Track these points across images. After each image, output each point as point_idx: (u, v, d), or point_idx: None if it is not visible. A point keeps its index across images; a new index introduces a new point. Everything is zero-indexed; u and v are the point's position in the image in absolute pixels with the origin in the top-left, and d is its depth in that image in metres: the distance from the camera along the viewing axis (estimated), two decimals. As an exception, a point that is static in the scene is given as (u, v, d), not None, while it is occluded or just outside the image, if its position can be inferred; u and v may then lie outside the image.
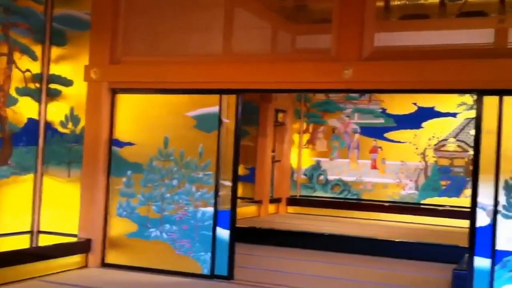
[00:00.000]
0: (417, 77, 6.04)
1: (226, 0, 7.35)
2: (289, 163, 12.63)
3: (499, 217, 5.67)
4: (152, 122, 7.05)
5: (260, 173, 11.85)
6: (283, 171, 12.46)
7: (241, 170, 10.83)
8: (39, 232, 7.34)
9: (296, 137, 12.92)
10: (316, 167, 12.78)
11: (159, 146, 6.98)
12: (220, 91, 6.74)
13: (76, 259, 6.97)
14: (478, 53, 6.08)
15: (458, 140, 11.67)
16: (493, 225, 5.69)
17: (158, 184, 6.97)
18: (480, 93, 5.81)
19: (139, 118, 7.14)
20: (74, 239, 7.09)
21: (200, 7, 7.54)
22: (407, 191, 11.98)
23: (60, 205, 7.31)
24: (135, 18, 7.37)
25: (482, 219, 5.73)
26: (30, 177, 7.30)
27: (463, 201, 10.78)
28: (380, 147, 12.24)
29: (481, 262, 5.71)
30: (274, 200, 12.28)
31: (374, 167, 12.30)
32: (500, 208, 5.66)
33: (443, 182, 11.74)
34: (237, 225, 6.84)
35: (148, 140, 7.04)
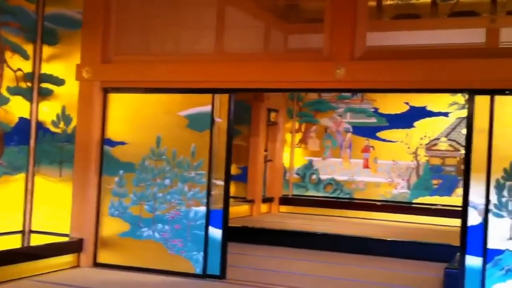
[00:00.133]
0: (409, 77, 6.06)
1: (218, -1, 7.35)
2: (281, 162, 12.64)
3: (490, 216, 5.69)
4: (144, 122, 7.04)
5: (252, 172, 11.86)
6: (275, 170, 12.46)
7: (234, 170, 10.82)
8: (31, 231, 7.31)
9: (288, 136, 12.92)
10: (309, 166, 12.79)
11: (152, 146, 6.96)
12: (213, 91, 6.74)
13: (68, 259, 6.95)
14: (470, 52, 6.11)
15: (449, 140, 11.71)
16: (484, 224, 5.71)
17: (150, 183, 6.95)
18: (472, 92, 5.83)
19: (131, 117, 7.13)
20: (66, 239, 7.07)
21: (192, 6, 7.54)
22: (399, 190, 12.01)
23: (52, 204, 7.29)
24: (127, 17, 7.36)
25: (474, 218, 5.76)
26: (21, 176, 7.27)
27: (455, 200, 10.81)
28: (372, 147, 12.27)
29: (473, 261, 5.74)
30: (267, 200, 12.28)
31: (366, 166, 12.33)
32: (491, 207, 5.69)
33: (434, 181, 11.78)
34: (230, 225, 6.83)
35: (140, 140, 7.02)
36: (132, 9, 7.46)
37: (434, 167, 11.80)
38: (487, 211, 5.70)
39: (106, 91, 7.19)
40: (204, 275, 6.66)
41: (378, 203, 11.96)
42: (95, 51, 7.15)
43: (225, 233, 6.66)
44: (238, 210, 10.82)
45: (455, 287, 5.86)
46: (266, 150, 12.27)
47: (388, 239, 8.87)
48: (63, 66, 7.34)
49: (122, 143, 7.11)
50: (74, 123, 7.23)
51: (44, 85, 7.38)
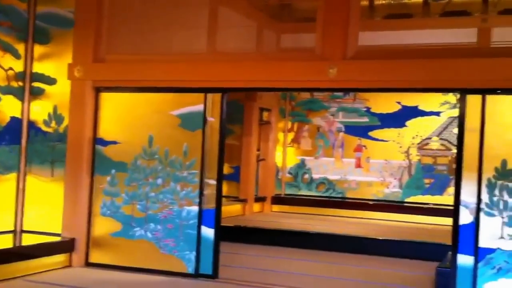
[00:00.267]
0: (401, 76, 6.07)
1: (211, -1, 7.35)
2: (274, 161, 12.65)
3: (482, 214, 5.71)
4: (137, 121, 7.02)
5: (245, 171, 11.86)
6: (268, 169, 12.47)
7: (226, 169, 10.81)
8: (23, 231, 7.28)
9: (281, 135, 12.93)
10: (301, 165, 12.80)
11: (144, 145, 6.95)
12: (205, 90, 6.73)
13: (60, 258, 6.93)
14: (462, 52, 6.14)
15: (441, 139, 11.76)
16: (476, 223, 5.73)
17: (142, 183, 6.94)
18: (463, 92, 5.85)
19: (123, 116, 7.11)
20: (57, 239, 7.05)
21: (185, 5, 7.53)
22: (391, 189, 12.04)
23: (44, 204, 7.26)
24: (119, 16, 7.34)
25: (465, 217, 5.78)
26: (13, 176, 7.24)
27: (447, 199, 10.85)
28: (364, 146, 12.29)
29: (464, 260, 5.76)
30: (259, 199, 12.28)
31: (358, 165, 12.35)
32: (483, 206, 5.71)
33: (426, 180, 11.82)
34: (222, 224, 6.84)
35: (133, 139, 7.01)
36: (124, 9, 7.45)
37: (426, 166, 11.84)
38: (478, 210, 5.72)
39: (98, 90, 7.17)
40: (196, 275, 6.65)
41: (370, 202, 11.99)
42: (87, 50, 7.13)
43: (218, 233, 6.65)
44: (230, 210, 10.82)
45: (447, 286, 5.88)
46: (258, 150, 12.28)
47: (380, 238, 8.89)
48: (54, 65, 7.31)
49: (114, 143, 7.09)
50: (66, 122, 7.21)
51: (36, 84, 7.36)
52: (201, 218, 6.67)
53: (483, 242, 5.70)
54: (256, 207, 12.13)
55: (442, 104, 11.66)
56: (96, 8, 7.15)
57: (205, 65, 6.79)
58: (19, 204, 7.28)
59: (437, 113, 11.76)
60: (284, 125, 12.97)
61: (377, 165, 12.16)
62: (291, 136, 13.01)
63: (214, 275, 6.62)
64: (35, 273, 6.48)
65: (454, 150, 10.37)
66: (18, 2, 7.21)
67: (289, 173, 12.89)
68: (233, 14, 8.18)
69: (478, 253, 5.71)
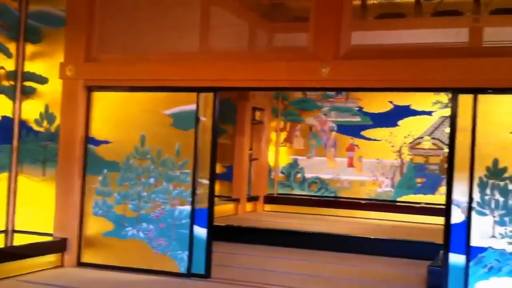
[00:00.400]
0: (393, 76, 6.09)
1: (203, -2, 7.34)
2: (266, 161, 12.65)
3: (473, 214, 5.73)
4: (129, 120, 7.01)
5: (237, 171, 11.85)
6: (260, 169, 12.47)
7: (219, 168, 10.80)
8: (14, 231, 7.25)
9: (273, 135, 12.93)
10: (294, 165, 12.81)
11: (136, 144, 6.93)
12: (197, 89, 6.72)
13: (51, 258, 6.90)
14: (453, 52, 6.17)
15: (433, 138, 11.80)
16: (467, 222, 5.75)
17: (134, 182, 6.92)
18: (455, 91, 5.87)
19: (115, 116, 7.09)
20: (49, 238, 7.02)
21: (176, 4, 7.52)
22: (383, 189, 12.07)
23: (35, 204, 7.23)
24: (111, 15, 7.32)
25: (457, 216, 5.80)
26: (4, 176, 7.21)
27: (438, 198, 10.88)
28: (356, 145, 12.32)
29: (456, 259, 5.78)
30: (252, 198, 12.28)
31: (351, 165, 12.37)
32: (474, 205, 5.73)
33: (418, 180, 11.86)
34: (215, 224, 6.84)
35: (125, 138, 6.99)
36: (116, 8, 7.42)
37: (418, 165, 11.88)
38: (470, 209, 5.74)
39: (90, 89, 7.15)
40: (189, 274, 6.65)
41: (363, 202, 12.01)
42: (78, 49, 7.10)
43: (210, 232, 6.64)
44: (223, 209, 10.81)
45: (439, 285, 5.90)
46: (251, 149, 12.28)
47: (372, 237, 8.90)
48: (46, 64, 7.28)
49: (106, 142, 7.08)
50: (57, 121, 7.18)
51: (27, 83, 7.32)
52: (194, 217, 6.66)
53: (474, 241, 5.72)
54: (249, 206, 12.13)
55: (434, 104, 11.69)
56: (88, 7, 7.13)
57: (197, 65, 6.78)
58: (11, 203, 7.25)
59: (429, 113, 11.80)
60: (276, 125, 12.97)
61: (370, 165, 12.18)
62: (283, 135, 13.01)
63: (206, 275, 6.62)
64: (27, 273, 6.46)
65: (446, 150, 10.40)
66: (9, 1, 7.18)
67: (282, 172, 12.90)
68: (225, 13, 8.18)
69: (470, 252, 5.73)
